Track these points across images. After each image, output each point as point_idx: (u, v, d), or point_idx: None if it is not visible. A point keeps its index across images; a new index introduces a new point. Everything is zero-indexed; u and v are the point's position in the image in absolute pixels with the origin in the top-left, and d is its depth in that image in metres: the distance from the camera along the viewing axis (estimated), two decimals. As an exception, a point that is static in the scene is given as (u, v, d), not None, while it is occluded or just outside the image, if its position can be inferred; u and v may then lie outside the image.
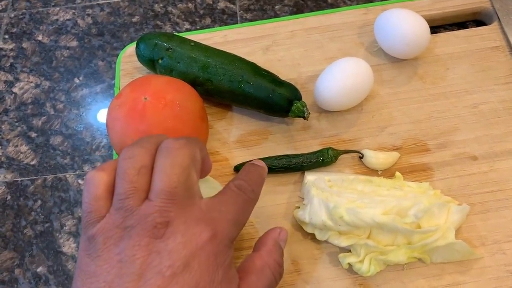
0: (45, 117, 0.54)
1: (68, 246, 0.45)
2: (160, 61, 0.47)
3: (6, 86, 0.56)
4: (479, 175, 0.44)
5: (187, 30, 0.58)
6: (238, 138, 0.48)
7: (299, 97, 0.45)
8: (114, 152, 0.48)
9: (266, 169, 0.36)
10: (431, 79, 0.49)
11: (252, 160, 0.37)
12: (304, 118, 0.44)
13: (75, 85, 0.56)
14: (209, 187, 0.38)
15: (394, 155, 0.44)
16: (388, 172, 0.44)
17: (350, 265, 0.39)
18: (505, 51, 0.50)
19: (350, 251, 0.39)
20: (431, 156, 0.45)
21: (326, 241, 0.40)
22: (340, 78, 0.44)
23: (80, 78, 0.56)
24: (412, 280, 0.39)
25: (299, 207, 0.43)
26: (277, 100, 0.44)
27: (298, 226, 0.42)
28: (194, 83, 0.46)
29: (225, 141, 0.48)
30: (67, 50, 0.58)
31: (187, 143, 0.30)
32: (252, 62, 0.46)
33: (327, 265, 0.41)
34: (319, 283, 0.40)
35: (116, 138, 0.42)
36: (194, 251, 0.27)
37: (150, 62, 0.48)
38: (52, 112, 0.54)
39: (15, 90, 0.56)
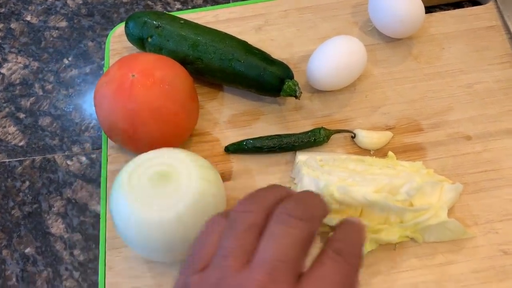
0: (33, 98, 0.53)
1: (56, 227, 0.45)
2: (149, 40, 0.46)
3: (-6, 67, 0.55)
4: (473, 155, 0.43)
5: (178, 9, 0.57)
6: (229, 119, 0.47)
7: (291, 76, 0.44)
8: (103, 133, 0.48)
9: (365, 227, 0.29)
10: (425, 59, 0.48)
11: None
12: (296, 97, 0.44)
13: (64, 65, 0.55)
14: (199, 165, 0.37)
15: (387, 135, 0.44)
16: (380, 152, 0.44)
17: None
18: (500, 31, 0.49)
19: None
20: (425, 135, 0.44)
21: None
22: (333, 57, 0.44)
23: (70, 59, 0.55)
24: (404, 259, 0.39)
25: (290, 187, 0.42)
26: (269, 78, 0.43)
27: None
28: (184, 61, 0.45)
29: (216, 122, 0.47)
30: (56, 31, 0.57)
31: (311, 218, 0.26)
32: (243, 41, 0.46)
33: (318, 244, 0.40)
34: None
35: (103, 116, 0.41)
36: None
37: (140, 41, 0.47)
38: (41, 93, 0.53)
39: (3, 71, 0.55)
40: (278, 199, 0.27)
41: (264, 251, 0.25)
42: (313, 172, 0.39)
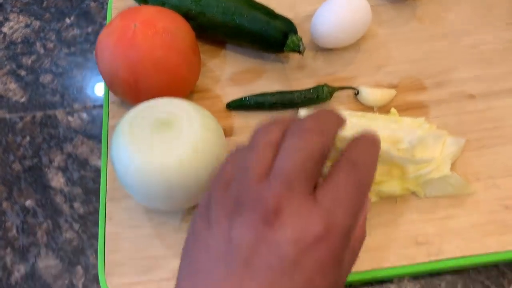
0: (34, 56, 0.52)
1: (56, 180, 0.45)
2: (152, -5, 0.46)
3: (-5, 25, 0.55)
4: (476, 113, 0.43)
5: (182, -29, 0.56)
6: (231, 76, 0.47)
7: (294, 30, 0.44)
8: (104, 87, 0.47)
9: (379, 138, 0.29)
10: (430, 20, 0.48)
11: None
12: (300, 52, 0.43)
13: (66, 25, 0.54)
14: (201, 114, 0.37)
15: (391, 92, 0.43)
16: (383, 110, 0.43)
17: None
18: (506, -7, 0.49)
19: None
20: (428, 94, 0.44)
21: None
22: (338, 13, 0.43)
23: (71, 19, 0.55)
24: (405, 212, 0.39)
25: None
26: (272, 32, 0.43)
27: None
28: (186, 16, 0.44)
29: (218, 79, 0.47)
30: (58, -9, 0.56)
31: (325, 131, 0.27)
32: (246, -5, 0.45)
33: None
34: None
35: (105, 67, 0.41)
36: (305, 248, 0.24)
37: (142, -3, 0.47)
38: (42, 51, 0.53)
39: (4, 29, 0.54)
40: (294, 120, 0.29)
41: (280, 164, 0.26)
42: None
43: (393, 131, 0.38)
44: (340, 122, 0.29)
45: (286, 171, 0.25)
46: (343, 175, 0.26)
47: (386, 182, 0.37)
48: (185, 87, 0.43)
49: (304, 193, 0.25)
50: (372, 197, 0.38)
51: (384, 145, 0.36)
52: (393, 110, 0.42)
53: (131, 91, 0.41)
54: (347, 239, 0.25)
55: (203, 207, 0.28)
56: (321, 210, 0.25)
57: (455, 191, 0.39)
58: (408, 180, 0.38)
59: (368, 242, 0.38)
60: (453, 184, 0.38)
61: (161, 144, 0.34)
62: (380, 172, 0.37)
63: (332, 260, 0.25)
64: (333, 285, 0.25)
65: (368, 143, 0.28)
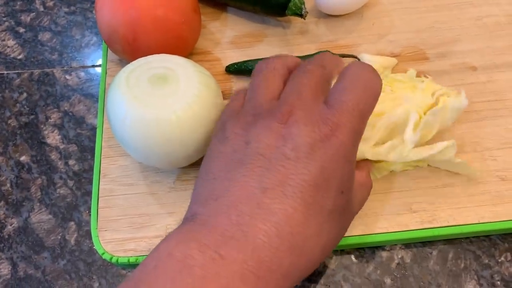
0: (34, 13, 0.52)
1: (52, 137, 0.44)
2: (154, -47, 0.45)
3: (-5, -19, 0.54)
4: (477, 85, 0.42)
5: None
6: (232, 40, 0.46)
7: (297, -6, 0.43)
8: (103, 45, 0.47)
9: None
10: (435, -10, 0.47)
11: None
12: (302, 16, 0.43)
13: (66, -16, 0.53)
14: (199, 71, 0.37)
15: (392, 60, 0.43)
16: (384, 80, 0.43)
17: None
18: (514, -34, 0.48)
19: None
20: (430, 64, 0.44)
21: None
22: (341, -22, 0.43)
23: (72, -23, 0.54)
24: (400, 181, 0.39)
25: None
26: (274, -5, 0.42)
27: None
28: (188, -24, 0.44)
29: (217, 42, 0.46)
30: (60, -51, 0.55)
31: (326, 65, 0.31)
32: (250, -44, 0.44)
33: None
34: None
35: (104, 23, 0.40)
36: (317, 140, 0.27)
37: (144, -45, 0.46)
38: (42, 9, 0.52)
39: (4, -14, 0.54)
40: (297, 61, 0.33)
41: (288, 87, 0.30)
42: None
43: (389, 118, 0.36)
44: (339, 61, 0.32)
45: (296, 88, 0.29)
46: (349, 80, 0.29)
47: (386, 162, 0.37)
48: (185, 47, 0.43)
49: (313, 100, 0.28)
50: (373, 174, 0.38)
51: (383, 149, 0.36)
52: (386, 73, 0.41)
53: (130, 49, 0.40)
54: (354, 139, 0.28)
55: (218, 130, 0.31)
56: (330, 111, 0.28)
57: (461, 172, 0.38)
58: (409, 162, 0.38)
59: (362, 207, 0.38)
60: (457, 166, 0.38)
61: (157, 98, 0.34)
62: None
63: (341, 155, 0.27)
64: (343, 189, 0.28)
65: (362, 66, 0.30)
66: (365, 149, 0.35)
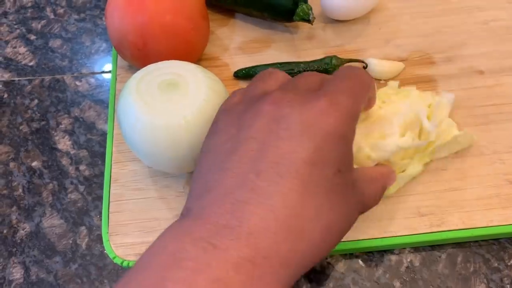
0: (44, 20, 0.53)
1: (63, 143, 0.45)
2: (163, -40, 0.46)
3: (6, -10, 0.55)
4: (484, 89, 0.43)
5: None
6: (240, 45, 0.47)
7: (304, -1, 0.43)
8: (113, 51, 0.47)
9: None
10: (442, -5, 0.48)
11: None
12: (309, 21, 0.43)
13: (76, -9, 0.54)
14: (208, 77, 0.37)
15: (399, 65, 0.43)
16: (391, 82, 0.43)
17: None
18: (521, -30, 0.48)
19: None
20: (437, 68, 0.44)
21: None
22: (348, -17, 0.43)
23: (82, -15, 0.55)
24: (409, 185, 0.39)
25: None
26: (282, 1, 0.43)
27: None
28: (197, -17, 0.44)
29: (226, 48, 0.47)
30: (69, -43, 0.56)
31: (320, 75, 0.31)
32: (257, -37, 0.45)
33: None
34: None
35: (114, 29, 0.41)
36: (311, 118, 0.26)
37: (153, -37, 0.47)
38: (52, 16, 0.53)
39: (15, -6, 0.55)
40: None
41: (283, 84, 0.30)
42: None
43: (403, 117, 0.36)
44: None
45: (292, 82, 0.30)
46: (339, 75, 0.29)
47: (409, 165, 0.37)
48: (194, 53, 0.43)
49: (308, 88, 0.29)
50: (397, 184, 0.38)
51: (410, 138, 0.35)
52: (392, 83, 0.41)
53: (139, 55, 0.41)
54: (349, 119, 0.27)
55: (211, 126, 0.31)
56: (323, 92, 0.27)
57: (462, 146, 0.39)
58: (426, 154, 0.37)
59: (370, 212, 0.38)
60: (461, 142, 0.38)
61: (167, 104, 0.35)
62: (400, 156, 0.36)
63: (337, 134, 0.26)
64: (340, 168, 0.26)
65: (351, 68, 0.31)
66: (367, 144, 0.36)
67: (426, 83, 0.43)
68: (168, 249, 0.24)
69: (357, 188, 0.29)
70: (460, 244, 0.38)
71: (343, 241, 0.37)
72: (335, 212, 0.26)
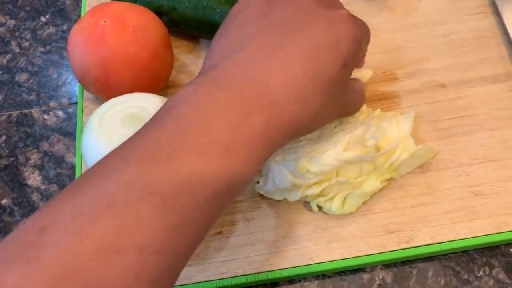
0: (10, 55, 0.52)
1: (33, 179, 0.45)
2: (124, -9, 0.46)
3: (-30, 25, 0.55)
4: (447, 102, 0.43)
5: (156, -34, 0.56)
6: (206, 71, 0.47)
7: (265, 24, 0.44)
8: (78, 84, 0.47)
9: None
10: (402, 10, 0.48)
11: None
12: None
13: (41, 23, 0.54)
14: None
15: (367, 72, 0.41)
16: (355, 101, 0.44)
17: (320, 207, 0.39)
18: (477, -18, 0.49)
19: None
20: (400, 84, 0.44)
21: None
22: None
23: (47, 17, 0.55)
24: (376, 202, 0.39)
25: (258, 182, 0.40)
26: (243, 26, 0.43)
27: (264, 198, 0.40)
28: (159, 12, 0.45)
29: (192, 74, 0.47)
30: (33, -11, 0.56)
31: None
32: (218, -10, 0.45)
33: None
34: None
35: (76, 64, 0.41)
36: (336, 18, 0.31)
37: (115, -7, 0.47)
38: (18, 50, 0.53)
39: (-21, 29, 0.54)
40: None
41: None
42: (277, 156, 0.38)
43: (351, 133, 0.37)
44: None
45: None
46: None
47: (365, 182, 0.38)
48: (158, 83, 0.43)
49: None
50: (356, 203, 0.38)
51: (352, 151, 0.36)
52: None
53: (103, 88, 0.41)
54: (357, 31, 0.32)
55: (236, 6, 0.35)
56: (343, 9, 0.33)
57: (425, 159, 0.40)
58: (383, 170, 0.38)
59: (339, 231, 0.38)
60: (421, 155, 0.39)
61: (130, 139, 0.35)
62: (354, 174, 0.37)
63: (352, 36, 0.31)
64: (347, 62, 0.31)
65: None
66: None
67: (389, 99, 0.44)
68: (198, 92, 0.28)
69: (347, 92, 0.34)
70: (430, 258, 0.39)
71: (315, 263, 0.37)
72: (328, 96, 0.31)
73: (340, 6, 0.33)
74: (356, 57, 0.33)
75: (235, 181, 0.26)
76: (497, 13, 0.47)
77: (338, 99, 0.32)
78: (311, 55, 0.30)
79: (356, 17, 0.33)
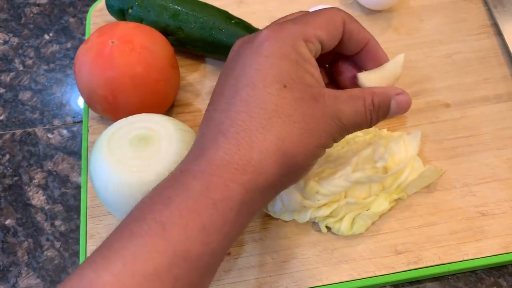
0: (13, 73, 0.52)
1: (37, 198, 0.44)
2: (130, 11, 0.46)
3: (-27, 43, 0.54)
4: (452, 122, 0.44)
5: (160, -15, 0.56)
6: (212, 90, 0.47)
7: (271, 44, 0.44)
8: (83, 104, 0.47)
9: None
10: (405, 30, 0.49)
11: None
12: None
13: (44, 41, 0.54)
14: (180, 129, 0.37)
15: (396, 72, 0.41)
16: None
17: (328, 228, 0.39)
18: (478, 3, 0.50)
19: None
20: (404, 104, 0.45)
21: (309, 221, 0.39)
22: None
23: (50, 35, 0.55)
24: (384, 222, 0.39)
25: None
26: (249, 47, 0.43)
27: (273, 219, 0.40)
28: (165, 32, 0.45)
29: (198, 93, 0.47)
30: (37, 7, 0.56)
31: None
32: (224, 10, 0.46)
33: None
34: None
35: (83, 84, 0.41)
36: (254, 48, 0.30)
37: (120, 13, 0.47)
38: (21, 68, 0.52)
39: (-18, 47, 0.54)
40: None
41: None
42: None
43: (359, 154, 0.38)
44: None
45: None
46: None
47: (374, 202, 0.38)
48: (164, 103, 0.43)
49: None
50: (365, 224, 0.38)
51: (361, 172, 0.36)
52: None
53: (110, 108, 0.41)
54: (292, 41, 0.30)
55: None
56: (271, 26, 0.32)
57: (432, 180, 0.40)
58: (392, 191, 0.38)
59: (348, 252, 0.38)
60: (428, 175, 0.39)
61: (139, 160, 0.35)
62: (363, 194, 0.38)
63: (276, 55, 0.29)
64: (285, 83, 0.29)
65: None
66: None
67: (395, 119, 0.44)
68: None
69: (331, 104, 0.30)
70: (438, 278, 0.39)
71: (324, 285, 0.37)
72: (288, 123, 0.28)
73: (260, 33, 0.31)
74: (299, 73, 0.29)
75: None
76: (499, 34, 0.48)
77: (311, 119, 0.29)
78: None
79: (284, 24, 0.31)
